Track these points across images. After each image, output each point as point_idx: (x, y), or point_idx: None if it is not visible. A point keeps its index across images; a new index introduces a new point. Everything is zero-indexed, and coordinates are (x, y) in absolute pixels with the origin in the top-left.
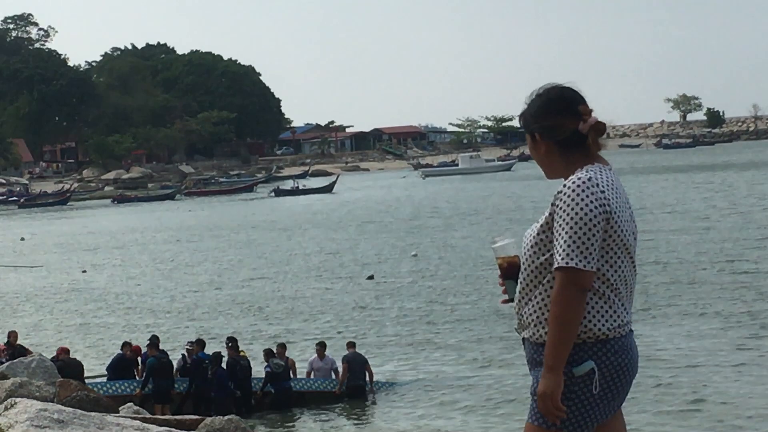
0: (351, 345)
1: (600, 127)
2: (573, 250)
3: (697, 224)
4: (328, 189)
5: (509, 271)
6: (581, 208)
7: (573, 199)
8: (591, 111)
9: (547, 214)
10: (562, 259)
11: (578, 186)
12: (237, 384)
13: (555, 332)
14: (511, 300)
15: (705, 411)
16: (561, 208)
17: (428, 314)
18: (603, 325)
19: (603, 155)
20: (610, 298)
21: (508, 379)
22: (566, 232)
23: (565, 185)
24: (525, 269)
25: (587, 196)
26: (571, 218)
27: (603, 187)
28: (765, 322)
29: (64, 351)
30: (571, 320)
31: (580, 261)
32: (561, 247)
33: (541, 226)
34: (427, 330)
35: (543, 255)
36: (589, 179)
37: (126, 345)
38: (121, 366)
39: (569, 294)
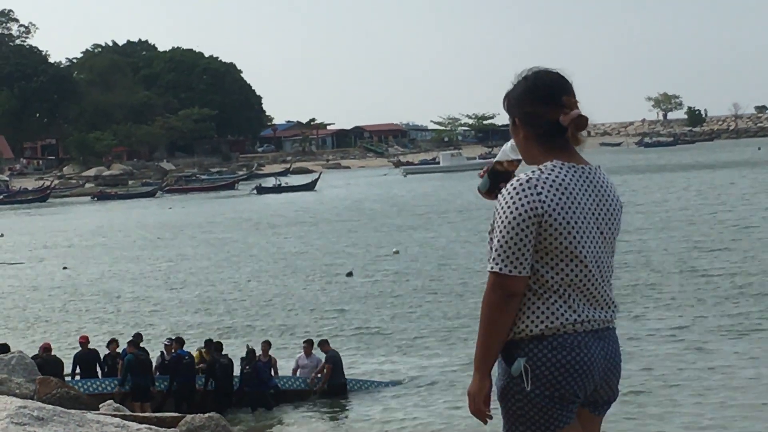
0: (326, 343)
1: (581, 122)
2: (500, 255)
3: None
4: (310, 186)
5: (497, 173)
6: (511, 212)
7: (507, 202)
8: (575, 103)
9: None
10: (494, 263)
11: (514, 189)
12: (217, 382)
13: (480, 334)
14: (479, 190)
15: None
16: (497, 210)
17: (409, 311)
18: (534, 323)
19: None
20: (549, 297)
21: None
22: (499, 236)
23: (505, 188)
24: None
25: (519, 199)
26: (502, 221)
27: (541, 188)
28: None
29: (45, 348)
30: (495, 323)
31: (506, 266)
32: (494, 250)
33: (491, 224)
34: (407, 327)
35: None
36: (528, 180)
37: (113, 342)
38: (84, 360)
39: (495, 298)
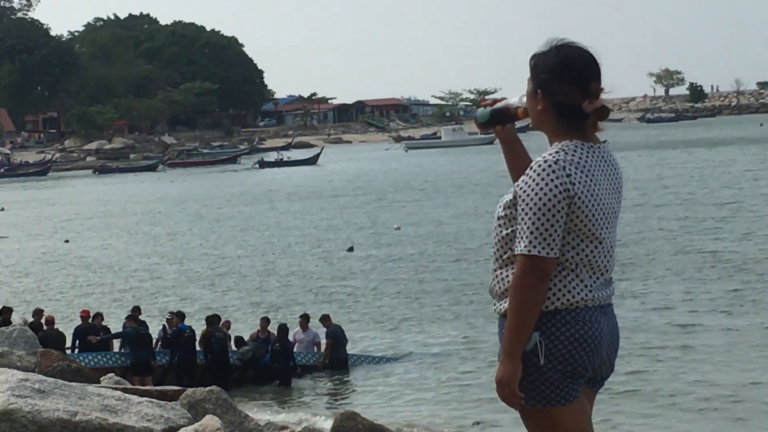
0: (327, 318)
1: (603, 112)
2: (535, 237)
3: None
4: (312, 161)
5: (503, 114)
6: (545, 193)
7: (537, 183)
8: (601, 91)
9: (512, 191)
10: (524, 246)
11: (543, 170)
12: (212, 356)
13: (514, 318)
14: (475, 118)
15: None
16: (524, 191)
17: (409, 287)
18: (551, 299)
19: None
20: (567, 275)
21: (489, 350)
22: (529, 218)
23: (530, 167)
24: (493, 240)
25: (552, 180)
26: (535, 203)
27: (569, 169)
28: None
29: (48, 321)
30: (530, 307)
31: (543, 248)
32: (523, 233)
33: (506, 202)
34: (408, 302)
35: (507, 228)
36: (556, 162)
37: (98, 316)
38: (84, 334)
39: (529, 281)
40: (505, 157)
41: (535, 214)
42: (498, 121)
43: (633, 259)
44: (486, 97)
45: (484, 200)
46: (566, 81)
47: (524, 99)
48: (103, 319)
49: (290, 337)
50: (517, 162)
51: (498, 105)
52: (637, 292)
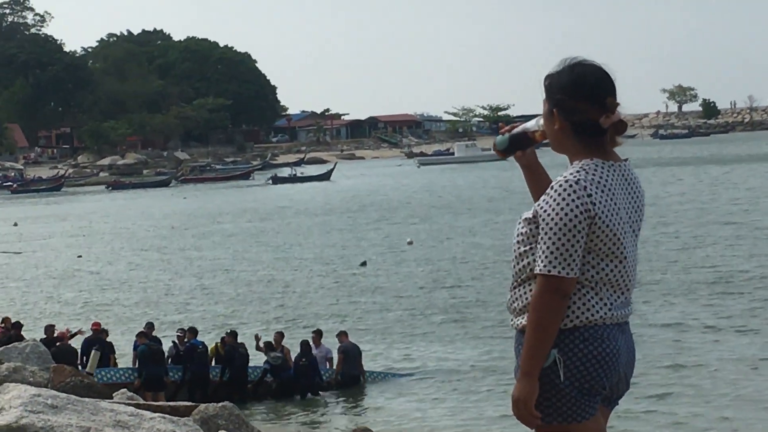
0: (344, 335)
1: (621, 126)
2: (556, 257)
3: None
4: (325, 177)
5: (521, 138)
6: (565, 213)
7: (558, 203)
8: (617, 105)
9: (533, 208)
10: (544, 266)
11: (564, 189)
12: (234, 372)
13: (532, 337)
14: (494, 144)
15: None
16: (544, 210)
17: (422, 302)
18: (570, 317)
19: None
20: (586, 294)
21: (505, 368)
22: (549, 238)
23: (551, 186)
24: (513, 255)
25: (573, 200)
26: (555, 223)
27: (590, 189)
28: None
29: (61, 336)
30: (548, 326)
31: (563, 269)
32: (543, 252)
33: (526, 219)
34: (420, 318)
35: (526, 245)
36: (577, 182)
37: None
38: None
39: (549, 301)
40: (527, 181)
41: (555, 233)
42: (517, 146)
43: (645, 276)
44: (502, 129)
45: (498, 216)
46: (581, 98)
47: (541, 121)
48: (107, 335)
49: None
50: (539, 185)
51: (516, 130)
52: (648, 309)
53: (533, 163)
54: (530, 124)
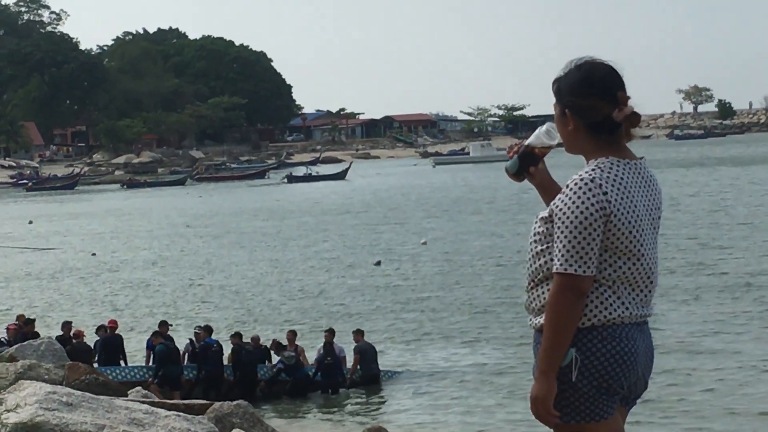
0: (360, 333)
1: (635, 119)
2: (572, 255)
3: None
4: (340, 176)
5: (529, 155)
6: (581, 212)
7: (574, 201)
8: (629, 99)
9: (549, 207)
10: (561, 264)
11: (579, 188)
12: (242, 370)
13: (550, 336)
14: (506, 170)
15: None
16: (560, 209)
17: (437, 301)
18: (587, 316)
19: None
20: (604, 292)
21: (521, 369)
22: (565, 236)
23: (567, 185)
24: (528, 255)
25: (588, 199)
26: (571, 221)
27: (606, 187)
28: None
29: (76, 334)
30: (566, 325)
31: (580, 267)
32: (560, 251)
33: (543, 218)
34: (435, 317)
35: (542, 244)
36: (592, 180)
37: (101, 328)
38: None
39: (566, 299)
40: (543, 199)
41: (571, 232)
42: (528, 163)
43: (659, 278)
44: (509, 152)
45: (513, 216)
46: (592, 95)
47: (540, 136)
48: (106, 332)
49: (315, 353)
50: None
51: (520, 149)
52: (662, 311)
53: (546, 181)
54: (531, 140)
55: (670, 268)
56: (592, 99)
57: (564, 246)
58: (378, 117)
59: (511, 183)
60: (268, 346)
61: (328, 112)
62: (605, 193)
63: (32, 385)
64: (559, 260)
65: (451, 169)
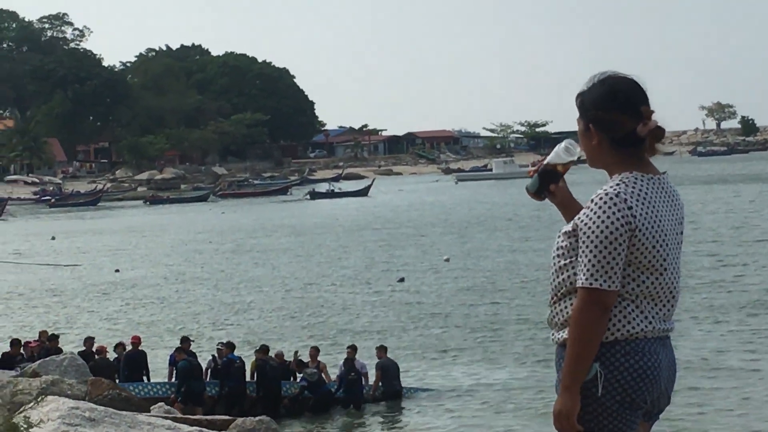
0: (383, 350)
1: (659, 133)
2: (597, 270)
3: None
4: (363, 192)
5: (549, 173)
6: (607, 226)
7: (599, 216)
8: (652, 113)
9: (572, 222)
10: (586, 279)
11: (604, 202)
12: (267, 385)
13: (574, 352)
14: (527, 189)
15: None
16: (585, 223)
17: (460, 318)
18: (611, 330)
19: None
20: (626, 306)
21: (543, 386)
22: (590, 251)
23: (591, 200)
24: (551, 269)
25: (613, 213)
26: (596, 236)
27: (631, 202)
28: None
29: (99, 351)
30: (590, 340)
31: (605, 281)
32: (585, 266)
33: (566, 232)
34: (458, 334)
35: (566, 259)
36: (617, 194)
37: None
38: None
39: (590, 314)
40: (564, 217)
41: (596, 246)
42: (548, 181)
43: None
44: (529, 170)
45: (535, 232)
46: (616, 110)
47: (560, 153)
48: (124, 349)
49: (337, 369)
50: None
51: (540, 167)
52: (683, 329)
53: (567, 199)
54: (551, 158)
55: (692, 285)
56: (616, 113)
57: (589, 260)
58: (401, 133)
59: (532, 200)
60: (292, 362)
61: (351, 128)
62: (630, 208)
63: (55, 401)
64: (584, 275)
65: (474, 185)
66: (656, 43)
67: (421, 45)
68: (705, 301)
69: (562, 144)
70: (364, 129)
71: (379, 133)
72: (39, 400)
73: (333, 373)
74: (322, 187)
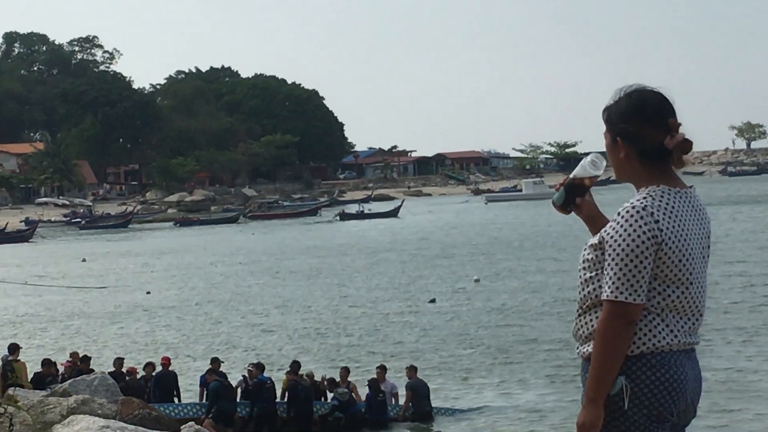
0: (413, 370)
1: (686, 145)
2: (623, 283)
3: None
4: (393, 213)
5: (576, 186)
6: (633, 240)
7: (625, 230)
8: (680, 125)
9: (599, 234)
10: (611, 292)
11: (631, 216)
12: (298, 406)
13: (598, 364)
14: (553, 203)
15: None
16: (611, 236)
17: (491, 339)
18: (636, 344)
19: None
20: (653, 320)
21: (574, 406)
22: (616, 264)
23: (618, 213)
24: (578, 282)
25: (640, 227)
26: (623, 249)
27: (658, 215)
28: None
29: (130, 372)
30: (615, 353)
31: (630, 295)
32: (610, 279)
33: (592, 245)
34: (488, 355)
35: (591, 272)
36: (644, 208)
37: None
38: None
39: (615, 327)
40: (590, 231)
41: (622, 260)
42: (574, 194)
43: (707, 315)
44: (555, 185)
45: (565, 253)
46: (643, 122)
47: (585, 167)
48: (153, 369)
49: (366, 389)
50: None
51: (566, 181)
52: (708, 348)
53: (593, 213)
54: (577, 171)
55: (722, 305)
56: (644, 126)
57: (615, 273)
58: (430, 154)
59: (563, 219)
60: (322, 382)
61: (380, 149)
62: (657, 221)
63: (85, 419)
64: (609, 288)
65: (504, 206)
66: (686, 62)
67: (450, 66)
68: (734, 322)
69: (588, 157)
70: (394, 150)
71: (409, 154)
72: (69, 419)
73: (363, 393)
74: (352, 209)
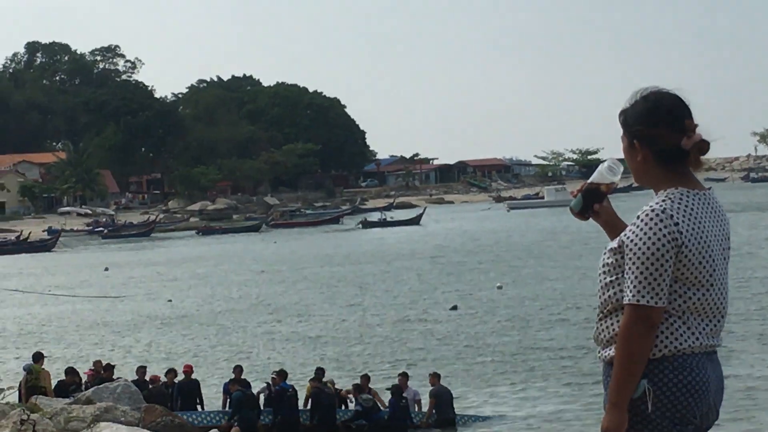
0: (436, 377)
1: (704, 146)
2: (644, 287)
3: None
4: (415, 221)
5: (593, 192)
6: (653, 243)
7: (645, 233)
8: (696, 126)
9: (618, 238)
10: (633, 296)
11: (651, 219)
12: (321, 413)
13: (621, 368)
14: (571, 209)
15: None
16: (631, 240)
17: (513, 346)
18: (658, 347)
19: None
20: (674, 323)
21: (598, 413)
22: (636, 267)
23: (638, 216)
24: (599, 286)
25: (660, 230)
26: (643, 252)
27: (677, 218)
28: None
29: (153, 380)
30: (637, 357)
31: (651, 298)
32: (631, 282)
33: (612, 249)
34: (511, 362)
35: (612, 276)
36: (663, 211)
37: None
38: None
39: (638, 331)
40: (609, 237)
41: (643, 263)
42: (592, 200)
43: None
44: (573, 191)
45: (587, 261)
46: (660, 124)
47: (602, 172)
48: (175, 375)
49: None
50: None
51: (583, 187)
52: (727, 356)
53: (611, 218)
54: (594, 177)
55: (744, 310)
56: (660, 128)
57: (636, 277)
58: (452, 162)
59: (584, 226)
60: (344, 390)
61: (402, 157)
62: (676, 224)
63: (109, 427)
64: (630, 291)
65: (526, 213)
66: (708, 68)
67: (471, 74)
68: (757, 328)
69: (606, 163)
70: (416, 158)
71: (431, 162)
72: (92, 426)
73: (386, 399)
74: (374, 216)
